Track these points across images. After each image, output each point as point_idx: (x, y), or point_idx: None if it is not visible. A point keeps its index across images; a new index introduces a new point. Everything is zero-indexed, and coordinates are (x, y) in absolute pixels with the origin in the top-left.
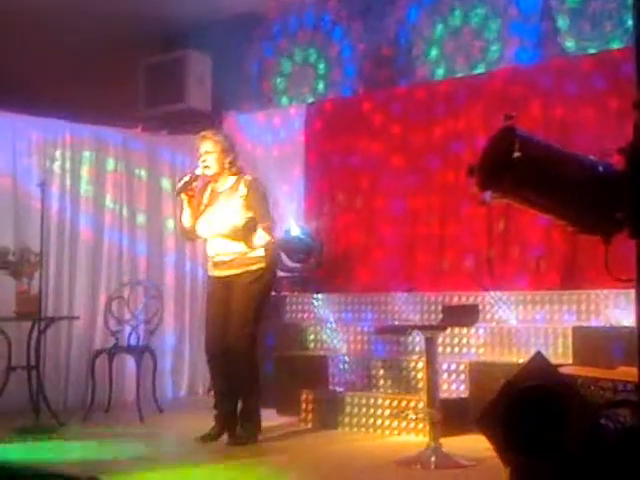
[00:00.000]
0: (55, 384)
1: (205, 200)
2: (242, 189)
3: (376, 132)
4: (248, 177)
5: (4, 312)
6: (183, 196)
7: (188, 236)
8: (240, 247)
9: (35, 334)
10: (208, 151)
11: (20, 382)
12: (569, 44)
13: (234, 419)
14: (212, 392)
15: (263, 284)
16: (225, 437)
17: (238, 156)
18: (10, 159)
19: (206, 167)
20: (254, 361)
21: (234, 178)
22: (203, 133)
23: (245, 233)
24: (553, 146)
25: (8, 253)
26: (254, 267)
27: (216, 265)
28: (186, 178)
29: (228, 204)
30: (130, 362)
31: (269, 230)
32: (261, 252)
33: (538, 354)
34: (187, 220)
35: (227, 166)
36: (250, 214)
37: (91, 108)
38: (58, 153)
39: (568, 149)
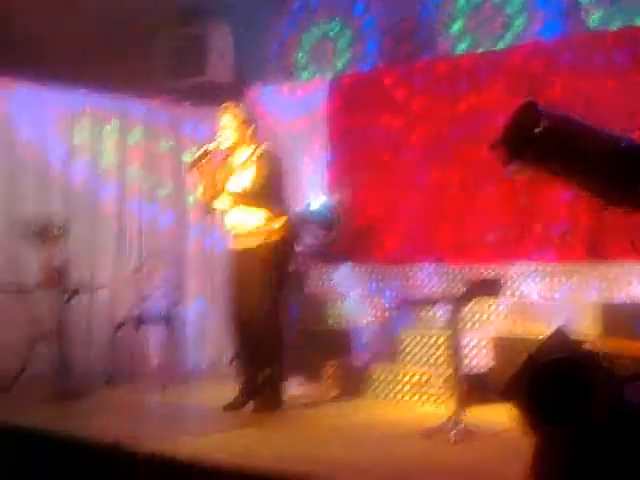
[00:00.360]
0: (80, 353)
1: (223, 173)
2: (256, 160)
3: (397, 106)
4: (262, 147)
5: (29, 283)
6: (196, 170)
7: (208, 210)
8: (255, 219)
9: (60, 304)
10: (228, 123)
11: (46, 351)
12: (592, 19)
13: (258, 388)
14: (235, 362)
15: (280, 255)
16: (249, 406)
17: (257, 129)
18: (34, 130)
19: (225, 139)
20: (276, 331)
21: (252, 149)
22: (223, 105)
23: (257, 204)
24: (576, 119)
25: (32, 224)
26: (272, 239)
27: (234, 238)
28: (198, 152)
29: (243, 174)
30: (154, 332)
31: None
32: (277, 224)
33: (560, 328)
34: (203, 194)
35: (248, 138)
36: (259, 184)
37: (114, 80)
38: (82, 124)
39: (591, 124)
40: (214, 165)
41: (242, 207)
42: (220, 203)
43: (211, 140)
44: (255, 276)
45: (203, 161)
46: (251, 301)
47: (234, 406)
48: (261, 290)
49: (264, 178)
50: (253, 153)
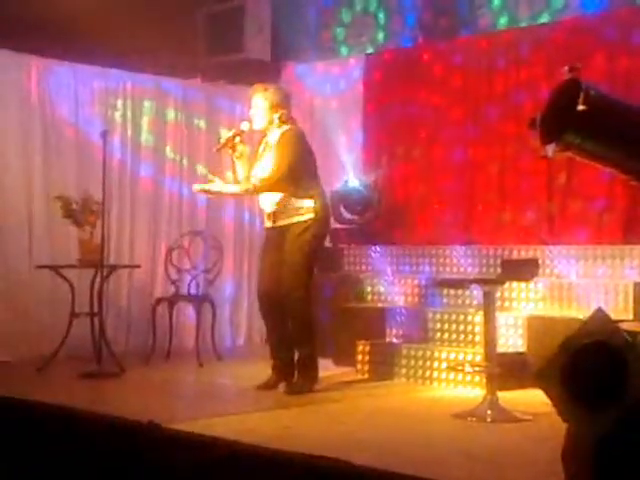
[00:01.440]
0: (117, 331)
1: (259, 153)
2: (275, 143)
3: (436, 83)
4: (286, 127)
5: (68, 260)
6: (230, 152)
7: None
8: (287, 198)
9: (98, 281)
10: (257, 105)
11: (83, 328)
12: None
13: (290, 368)
14: (268, 341)
15: (313, 234)
16: (282, 386)
17: (290, 109)
18: (72, 108)
19: (255, 121)
20: (308, 311)
21: (281, 130)
22: (254, 86)
23: (288, 183)
24: (617, 99)
25: (71, 202)
26: (303, 218)
27: (268, 216)
28: (229, 134)
29: (271, 155)
30: (190, 310)
31: (243, 190)
32: (310, 203)
33: (599, 310)
34: (239, 174)
35: (276, 121)
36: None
37: (151, 58)
38: (119, 102)
39: (633, 102)
40: (247, 146)
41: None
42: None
43: (243, 120)
44: (288, 255)
45: (237, 140)
46: (284, 280)
47: (267, 386)
48: (294, 269)
49: (283, 163)
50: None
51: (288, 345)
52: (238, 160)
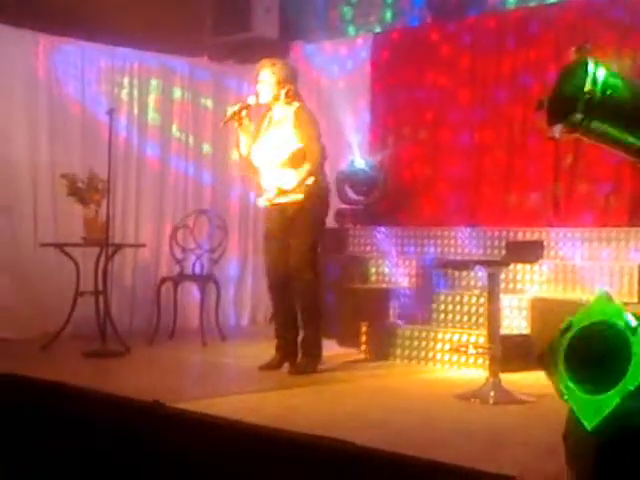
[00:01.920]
0: (121, 310)
1: (263, 129)
2: (291, 118)
3: (444, 63)
4: (296, 104)
5: (73, 238)
6: (236, 125)
7: (244, 167)
8: (290, 176)
9: (102, 260)
10: (264, 80)
11: (88, 307)
12: None
13: (295, 348)
14: (273, 321)
15: (316, 212)
16: (286, 366)
17: (297, 86)
18: (79, 87)
19: (261, 95)
20: (316, 291)
21: (287, 107)
22: (262, 61)
23: (292, 162)
24: (628, 78)
25: (77, 180)
26: (304, 196)
27: (269, 194)
28: (235, 107)
29: (278, 132)
30: (194, 290)
31: (308, 173)
32: (310, 181)
33: (603, 293)
34: (243, 149)
35: (282, 97)
36: (298, 145)
37: (158, 36)
38: (126, 81)
39: None
40: (252, 119)
41: (279, 165)
42: (257, 158)
43: (250, 95)
44: (293, 234)
45: (243, 113)
46: (291, 261)
47: (271, 366)
48: (300, 250)
49: (317, 141)
50: (287, 112)
51: (293, 325)
52: (243, 134)
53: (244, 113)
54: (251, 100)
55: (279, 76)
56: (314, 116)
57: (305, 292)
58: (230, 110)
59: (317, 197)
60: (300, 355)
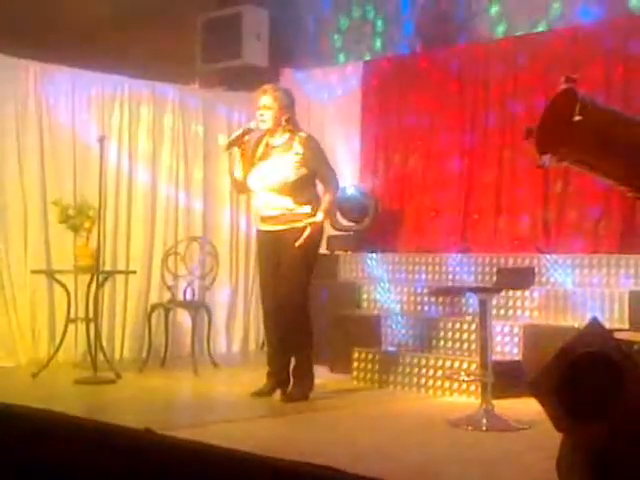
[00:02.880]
0: (112, 336)
1: (259, 153)
2: (297, 146)
3: (433, 91)
4: (303, 134)
5: (64, 265)
6: (236, 149)
7: (239, 189)
8: (288, 203)
9: (93, 287)
10: (266, 105)
11: (78, 334)
12: (634, 2)
13: (287, 376)
14: (266, 347)
15: (311, 239)
16: (278, 393)
17: (295, 114)
18: (70, 114)
19: (262, 121)
20: (306, 317)
21: (288, 135)
22: (264, 87)
23: (294, 190)
24: (614, 110)
25: (68, 207)
26: (301, 224)
27: (264, 219)
28: (238, 132)
29: (281, 159)
30: (185, 317)
31: (333, 197)
32: (308, 209)
33: (594, 320)
34: (239, 173)
35: (283, 123)
36: (304, 171)
37: (149, 64)
38: (117, 108)
39: (630, 110)
40: (252, 144)
41: (277, 191)
42: (254, 182)
43: (250, 120)
44: (286, 260)
45: (246, 138)
46: (281, 285)
47: (262, 393)
48: (291, 274)
49: (317, 167)
50: (291, 140)
51: (286, 351)
52: (242, 158)
53: (246, 138)
54: (253, 125)
55: (281, 102)
56: (319, 143)
57: (296, 318)
58: (233, 135)
59: (315, 226)
60: (292, 383)
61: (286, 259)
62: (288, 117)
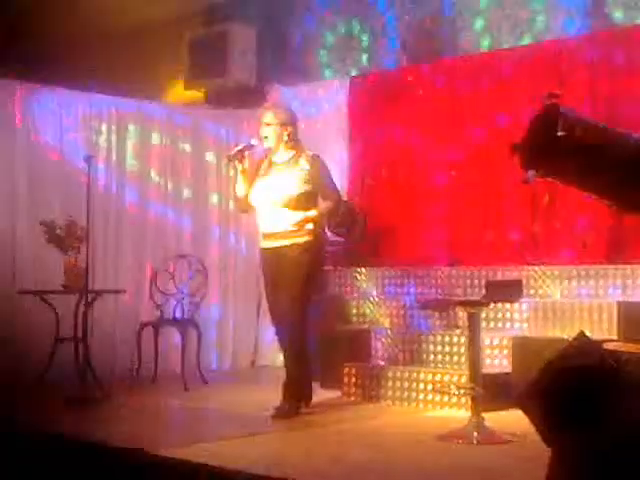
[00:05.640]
0: (102, 356)
1: (262, 171)
2: (303, 163)
3: (420, 105)
4: (310, 152)
5: (52, 285)
6: (237, 164)
7: (241, 206)
8: (290, 219)
9: (82, 307)
10: (268, 123)
11: (67, 353)
12: (617, 14)
13: (309, 388)
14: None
15: (312, 256)
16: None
17: (298, 131)
18: (57, 133)
19: (265, 137)
20: (302, 333)
21: (292, 152)
22: (265, 105)
23: (297, 204)
24: (598, 124)
25: (56, 227)
26: (303, 239)
27: (266, 236)
28: (240, 147)
29: (286, 175)
30: (175, 335)
31: (328, 210)
32: (310, 226)
33: (581, 333)
34: (240, 189)
35: (285, 139)
36: (307, 187)
37: (135, 83)
38: (104, 127)
39: (615, 122)
40: (254, 162)
41: (280, 206)
42: (257, 199)
43: (238, 140)
44: (286, 275)
45: (246, 153)
46: (281, 302)
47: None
48: (291, 291)
49: (319, 185)
50: (296, 157)
51: (292, 365)
52: (242, 175)
53: (247, 154)
54: (254, 142)
55: (283, 119)
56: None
57: (291, 335)
58: (235, 149)
59: (315, 242)
60: (283, 398)
61: (287, 274)
62: (290, 132)
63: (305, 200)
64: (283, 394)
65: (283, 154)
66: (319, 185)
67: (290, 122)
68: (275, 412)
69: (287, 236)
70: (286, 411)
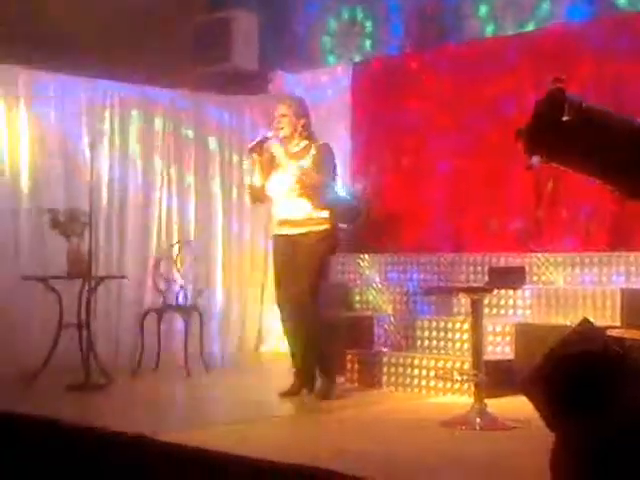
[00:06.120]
0: (105, 342)
1: (278, 160)
2: (313, 151)
3: (423, 91)
4: (320, 141)
5: (56, 271)
6: (255, 156)
7: (257, 196)
8: (307, 207)
9: (85, 293)
10: (282, 114)
11: (71, 340)
12: (621, 0)
13: (311, 375)
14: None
15: (328, 244)
16: (304, 392)
17: (311, 122)
18: (60, 120)
19: (280, 128)
20: (317, 318)
21: (306, 142)
22: (280, 96)
23: (311, 193)
24: (603, 109)
25: (59, 213)
26: (320, 227)
27: (281, 223)
28: (257, 139)
29: (298, 165)
30: (178, 321)
31: (318, 180)
32: (326, 214)
33: (585, 320)
34: (257, 180)
35: (299, 129)
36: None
37: (139, 68)
38: (107, 113)
39: (620, 108)
40: (269, 151)
41: (297, 195)
42: (273, 188)
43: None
44: (302, 262)
45: (265, 145)
46: (296, 286)
47: (290, 393)
48: (306, 276)
49: (330, 172)
50: (308, 147)
51: (305, 352)
52: (259, 166)
53: (265, 145)
54: (270, 133)
55: (296, 109)
56: (333, 155)
57: (307, 319)
58: (253, 142)
59: (331, 230)
60: (319, 380)
61: (301, 262)
62: (304, 123)
63: (321, 187)
64: (324, 373)
65: (297, 144)
66: (317, 166)
67: (303, 112)
68: (317, 393)
69: (304, 224)
70: (326, 391)
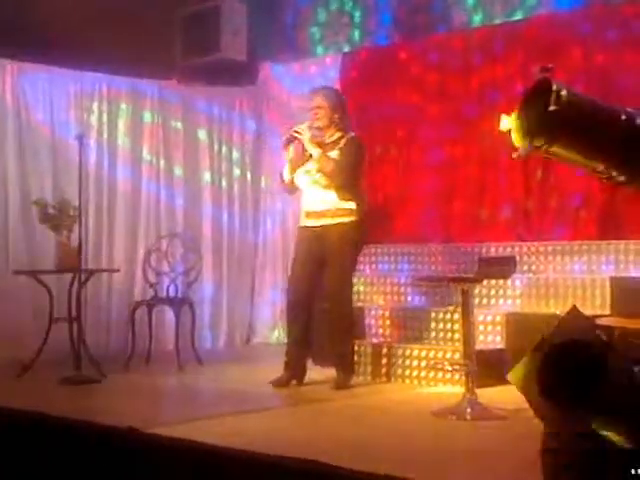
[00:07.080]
0: (96, 335)
1: (308, 151)
2: (342, 143)
3: (412, 81)
4: (352, 134)
5: (45, 265)
6: (290, 148)
7: (287, 189)
8: (333, 198)
9: (76, 286)
10: (319, 105)
11: (62, 333)
12: None
13: (303, 367)
14: (287, 339)
15: (358, 233)
16: (294, 383)
17: (347, 113)
18: (48, 112)
19: (317, 119)
20: (351, 308)
21: (339, 134)
22: (316, 88)
23: (338, 184)
24: (590, 98)
25: (48, 206)
26: (348, 219)
27: (309, 215)
28: (292, 130)
29: (327, 155)
30: (169, 313)
31: (328, 160)
32: (352, 205)
33: (574, 308)
34: (286, 172)
35: (336, 121)
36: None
37: (127, 60)
38: (95, 106)
39: (608, 97)
40: (302, 143)
41: (323, 186)
42: (302, 178)
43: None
44: (334, 253)
45: (300, 137)
46: (329, 280)
47: (280, 383)
48: (340, 269)
49: (352, 162)
50: (340, 139)
51: (307, 344)
52: (289, 160)
53: (301, 137)
54: (305, 125)
55: (333, 101)
56: (364, 147)
57: (343, 309)
58: (286, 136)
59: (359, 222)
60: (339, 371)
61: (333, 253)
62: (339, 116)
63: (348, 178)
64: (337, 367)
65: (331, 136)
66: (342, 156)
67: (339, 104)
68: (334, 384)
69: (330, 215)
70: (344, 382)
